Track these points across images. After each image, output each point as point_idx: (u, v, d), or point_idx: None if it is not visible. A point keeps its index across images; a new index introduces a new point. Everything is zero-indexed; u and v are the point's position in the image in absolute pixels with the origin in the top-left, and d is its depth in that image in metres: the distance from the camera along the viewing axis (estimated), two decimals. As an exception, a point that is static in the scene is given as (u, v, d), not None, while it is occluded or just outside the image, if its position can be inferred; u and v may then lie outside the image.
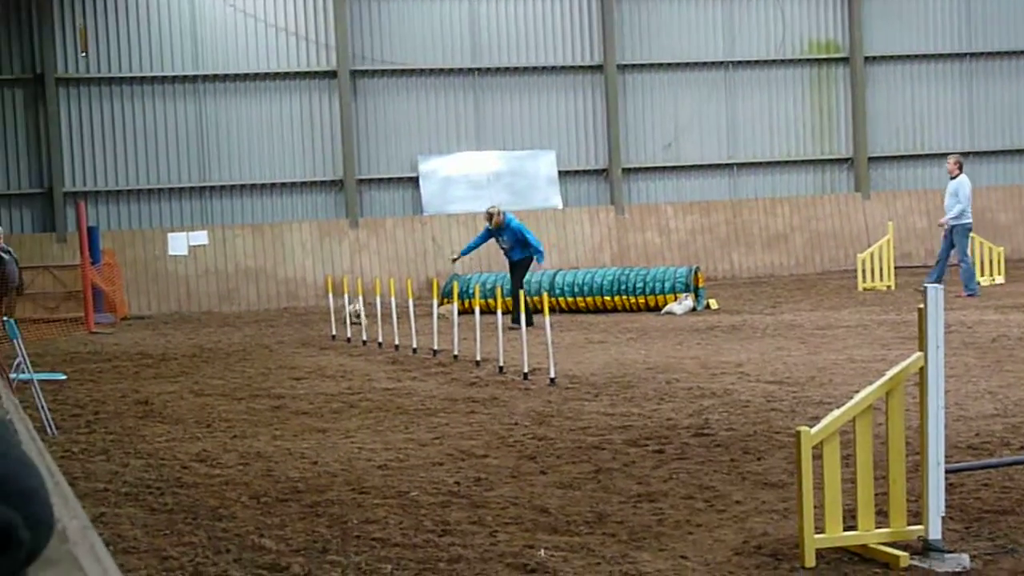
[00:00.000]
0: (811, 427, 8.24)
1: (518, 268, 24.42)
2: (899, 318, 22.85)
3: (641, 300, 27.26)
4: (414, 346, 21.13)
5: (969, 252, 27.47)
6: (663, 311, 26.47)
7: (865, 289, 29.89)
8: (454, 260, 26.36)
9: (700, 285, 27.42)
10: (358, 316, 24.21)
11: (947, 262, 27.14)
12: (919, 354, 8.16)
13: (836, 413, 8.27)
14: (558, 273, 28.61)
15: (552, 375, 16.65)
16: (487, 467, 11.34)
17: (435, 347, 20.66)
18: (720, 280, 35.85)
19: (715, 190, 38.28)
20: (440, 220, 35.73)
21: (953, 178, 27.22)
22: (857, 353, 18.24)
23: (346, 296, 24.37)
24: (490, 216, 24.44)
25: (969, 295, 26.43)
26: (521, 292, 21.22)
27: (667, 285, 27.08)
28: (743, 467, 10.86)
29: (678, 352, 19.55)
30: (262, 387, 17.64)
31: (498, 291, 21.32)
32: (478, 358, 19.00)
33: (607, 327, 24.08)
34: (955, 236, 26.98)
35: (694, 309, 26.53)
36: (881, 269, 30.55)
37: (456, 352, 19.93)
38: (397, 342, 21.79)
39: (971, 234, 27.69)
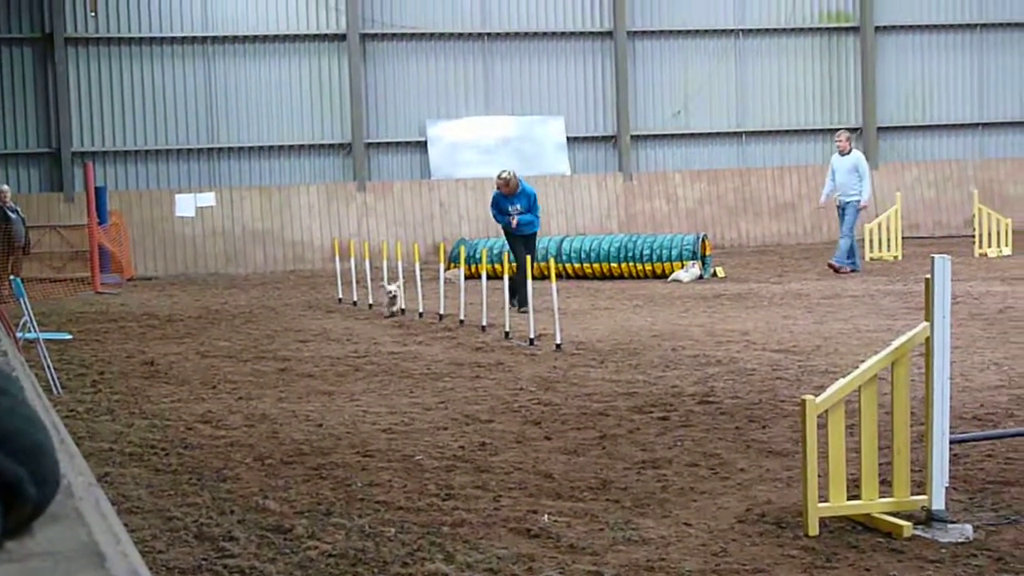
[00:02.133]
0: (816, 396, 8.25)
1: (530, 241, 21.97)
2: (905, 288, 22.83)
3: (648, 267, 27.24)
4: (420, 310, 21.14)
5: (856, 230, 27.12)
6: (670, 279, 26.45)
7: (872, 259, 29.85)
8: (514, 218, 21.99)
9: (707, 253, 27.40)
10: (393, 299, 21.62)
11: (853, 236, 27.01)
12: (925, 324, 8.16)
13: (841, 382, 8.27)
14: (565, 239, 28.59)
15: (558, 341, 16.66)
16: (492, 432, 11.35)
17: (441, 312, 20.67)
18: (727, 248, 35.82)
19: (724, 158, 38.20)
20: (448, 185, 35.70)
21: (844, 154, 26.81)
22: (863, 323, 18.23)
23: (385, 278, 24.35)
24: (506, 182, 21.74)
25: (852, 270, 26.57)
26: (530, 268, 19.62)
27: (674, 252, 27.06)
28: (748, 435, 10.88)
29: (684, 320, 19.55)
30: (268, 349, 17.66)
31: (505, 256, 21.15)
32: (484, 323, 19.01)
33: (613, 294, 24.08)
34: (848, 211, 26.67)
35: (701, 277, 26.52)
36: (889, 239, 30.54)
37: (462, 317, 19.94)
38: (403, 306, 21.80)
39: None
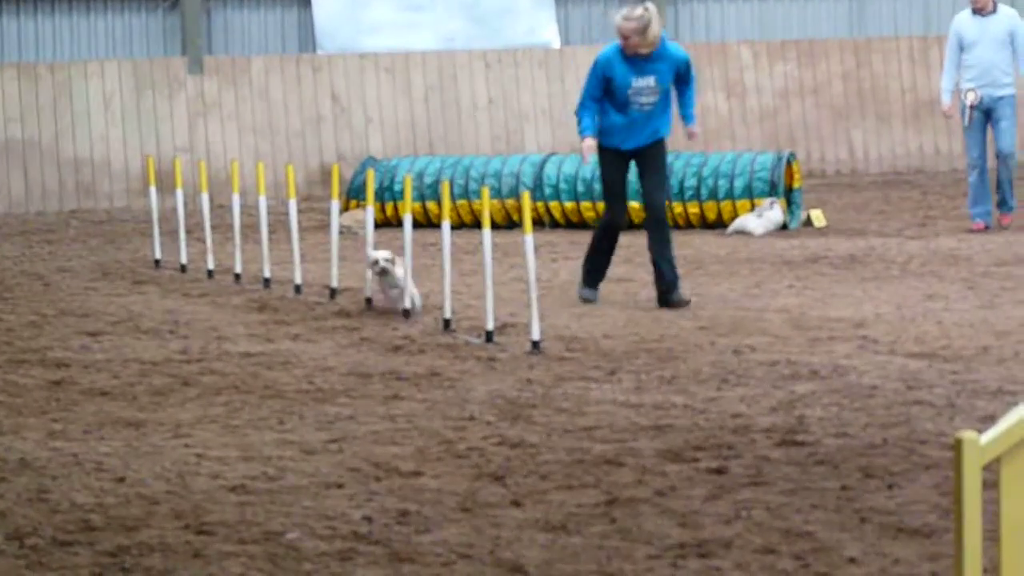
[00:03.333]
0: (982, 432, 8.27)
1: (658, 158, 20.58)
2: None
3: (693, 209, 27.29)
4: (297, 281, 21.12)
5: None
6: (731, 228, 26.53)
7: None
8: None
9: (795, 185, 27.47)
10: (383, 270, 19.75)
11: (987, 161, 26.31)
12: None
13: (1025, 410, 8.31)
14: (549, 160, 28.52)
15: (535, 336, 16.66)
16: (420, 492, 11.35)
17: (333, 283, 20.66)
18: (831, 177, 35.91)
19: (825, 21, 38.24)
20: (347, 63, 35.63)
21: (984, 13, 26.23)
22: (1063, 308, 18.35)
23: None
24: (640, 29, 19.19)
25: (1005, 213, 26.37)
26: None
27: (739, 184, 27.10)
28: (862, 500, 10.90)
29: (755, 300, 19.61)
30: (31, 347, 17.65)
31: (444, 188, 20.93)
32: (407, 304, 19.01)
33: (632, 255, 24.11)
34: (1002, 113, 26.18)
35: (785, 226, 26.59)
36: (1110, 163, 30.63)
37: (370, 293, 19.93)
38: (268, 273, 21.76)
39: None
